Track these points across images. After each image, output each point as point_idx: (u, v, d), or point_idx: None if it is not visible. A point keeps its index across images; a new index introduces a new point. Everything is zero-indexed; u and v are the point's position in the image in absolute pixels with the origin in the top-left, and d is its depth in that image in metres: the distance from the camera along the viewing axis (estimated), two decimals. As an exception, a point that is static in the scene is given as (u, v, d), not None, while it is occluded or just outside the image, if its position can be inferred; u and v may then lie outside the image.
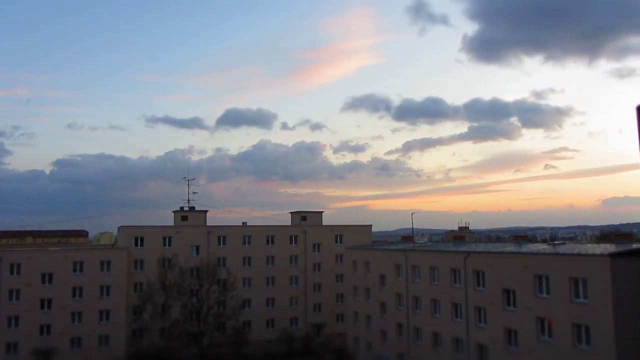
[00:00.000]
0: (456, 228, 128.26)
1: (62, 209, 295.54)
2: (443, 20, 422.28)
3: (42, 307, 59.02)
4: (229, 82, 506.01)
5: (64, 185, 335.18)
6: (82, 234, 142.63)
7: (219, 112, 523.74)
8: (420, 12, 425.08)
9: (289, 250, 72.15)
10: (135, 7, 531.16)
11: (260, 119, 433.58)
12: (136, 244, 65.63)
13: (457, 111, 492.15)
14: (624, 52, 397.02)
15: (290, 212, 79.58)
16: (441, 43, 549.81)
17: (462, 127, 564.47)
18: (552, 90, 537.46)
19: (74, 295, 60.48)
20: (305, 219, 76.50)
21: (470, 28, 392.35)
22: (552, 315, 33.59)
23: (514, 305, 37.00)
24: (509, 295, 37.68)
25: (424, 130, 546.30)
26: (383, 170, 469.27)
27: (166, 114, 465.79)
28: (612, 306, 29.17)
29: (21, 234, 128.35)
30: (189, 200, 72.93)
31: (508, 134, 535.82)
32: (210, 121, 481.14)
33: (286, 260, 71.72)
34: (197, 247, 67.77)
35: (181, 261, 61.59)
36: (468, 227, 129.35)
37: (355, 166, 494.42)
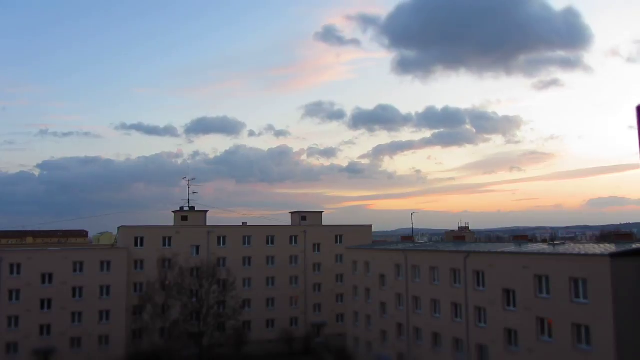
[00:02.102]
0: (456, 228, 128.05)
1: (52, 210, 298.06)
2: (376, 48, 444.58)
3: (42, 307, 59.03)
4: (201, 95, 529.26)
5: (52, 187, 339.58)
6: (82, 234, 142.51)
7: (189, 120, 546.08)
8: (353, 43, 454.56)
9: (289, 250, 72.15)
10: (120, 21, 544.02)
11: (228, 127, 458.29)
12: (136, 244, 65.64)
13: (409, 119, 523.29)
14: (543, 64, 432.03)
15: (290, 212, 79.63)
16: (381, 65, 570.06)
17: (421, 133, 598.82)
18: (496, 101, 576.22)
19: (74, 295, 60.49)
20: (305, 219, 76.51)
21: (404, 52, 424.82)
22: (552, 315, 33.57)
23: (514, 305, 36.99)
24: (509, 295, 37.67)
25: (386, 136, 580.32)
26: (356, 173, 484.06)
27: (140, 122, 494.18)
28: (612, 306, 29.15)
29: (21, 234, 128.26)
30: (188, 200, 73.04)
31: (471, 140, 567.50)
32: (181, 129, 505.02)
33: (286, 260, 71.73)
34: (197, 247, 67.77)
35: (181, 261, 61.61)
36: (468, 227, 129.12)
37: (331, 169, 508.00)
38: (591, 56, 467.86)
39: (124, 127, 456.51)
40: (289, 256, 72.06)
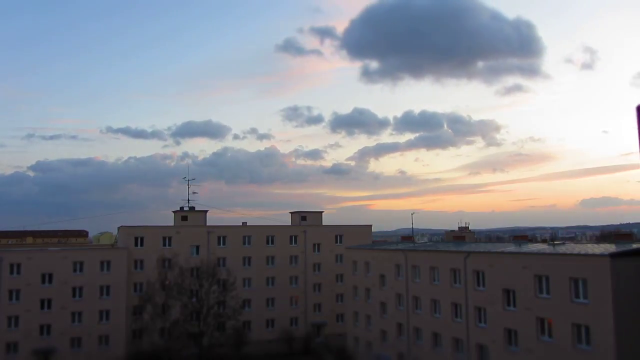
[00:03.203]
0: (456, 228, 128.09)
1: (48, 210, 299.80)
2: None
3: (42, 307, 59.00)
4: (186, 100, 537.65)
5: (47, 188, 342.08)
6: (82, 234, 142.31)
7: (173, 124, 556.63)
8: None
9: (289, 250, 72.16)
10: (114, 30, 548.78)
11: (213, 131, 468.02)
12: (136, 244, 65.64)
13: (386, 122, 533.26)
14: (502, 72, 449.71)
15: (290, 212, 79.63)
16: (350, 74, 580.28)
17: (404, 136, 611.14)
18: (465, 106, 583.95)
19: (74, 295, 60.47)
20: (305, 219, 76.52)
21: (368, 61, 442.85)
22: (552, 315, 33.59)
23: (514, 305, 37.00)
24: (509, 295, 37.69)
25: (365, 139, 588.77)
26: (343, 174, 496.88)
27: (127, 125, 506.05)
28: (612, 306, 29.17)
29: (21, 234, 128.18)
30: (188, 200, 73.04)
31: (454, 142, 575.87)
32: (167, 132, 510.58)
33: (286, 260, 71.73)
34: (197, 247, 67.78)
35: (181, 261, 61.60)
36: (468, 227, 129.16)
37: (318, 170, 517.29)
38: (547, 64, 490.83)
39: (110, 130, 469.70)
40: (289, 256, 72.06)
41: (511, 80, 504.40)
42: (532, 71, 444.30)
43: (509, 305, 37.67)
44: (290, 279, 71.78)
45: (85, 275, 61.15)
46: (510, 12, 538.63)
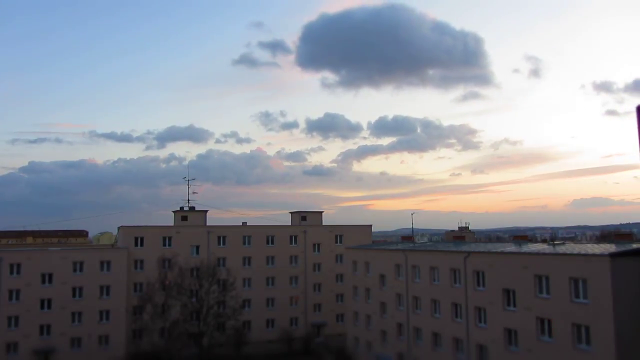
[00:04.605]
0: (456, 228, 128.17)
1: (43, 211, 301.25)
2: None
3: (42, 307, 59.04)
4: (168, 105, 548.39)
5: (42, 189, 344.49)
6: (82, 234, 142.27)
7: (159, 129, 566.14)
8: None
9: (289, 250, 72.17)
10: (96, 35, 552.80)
11: (196, 135, 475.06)
12: (136, 244, 65.67)
13: (358, 127, 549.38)
14: (454, 80, 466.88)
15: (290, 212, 79.63)
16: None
17: (382, 140, 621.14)
18: (431, 113, 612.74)
19: (74, 295, 60.49)
20: (305, 219, 76.52)
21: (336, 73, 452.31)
22: (552, 315, 33.58)
23: (514, 305, 36.99)
24: (509, 295, 37.68)
25: (341, 143, 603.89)
26: (330, 176, 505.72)
27: (112, 130, 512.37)
28: (612, 306, 29.16)
29: (21, 234, 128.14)
30: (188, 200, 73.09)
31: (432, 146, 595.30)
32: (150, 136, 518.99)
33: (286, 260, 71.73)
34: (197, 247, 67.80)
35: (181, 261, 61.54)
36: (468, 227, 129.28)
37: (305, 171, 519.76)
38: (496, 73, 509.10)
39: (94, 134, 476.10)
40: (289, 256, 72.07)
41: (466, 88, 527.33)
42: (482, 79, 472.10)
43: (509, 305, 37.66)
44: (290, 279, 71.79)
45: (85, 275, 61.16)
46: (455, 23, 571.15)
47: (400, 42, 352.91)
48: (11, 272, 58.59)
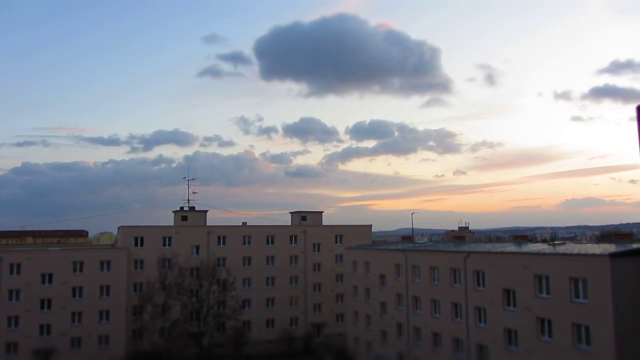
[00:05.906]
0: (456, 228, 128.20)
1: (38, 211, 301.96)
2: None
3: (42, 307, 59.03)
4: (152, 109, 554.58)
5: (36, 190, 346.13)
6: (82, 234, 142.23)
7: (144, 133, 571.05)
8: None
9: (289, 250, 72.16)
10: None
11: (181, 138, 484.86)
12: (136, 244, 65.65)
13: (334, 131, 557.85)
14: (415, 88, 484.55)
15: (290, 212, 79.62)
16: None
17: (364, 143, 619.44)
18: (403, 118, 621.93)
19: (74, 295, 60.48)
20: (305, 219, 76.52)
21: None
22: (552, 315, 33.59)
23: (514, 305, 37.01)
24: (509, 295, 37.69)
25: (320, 147, 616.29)
26: (316, 177, 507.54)
27: (99, 135, 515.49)
28: (612, 306, 29.17)
29: (21, 234, 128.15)
30: (188, 200, 73.06)
31: (413, 149, 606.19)
32: (137, 140, 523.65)
33: (286, 260, 71.73)
34: (197, 247, 67.78)
35: (181, 261, 61.62)
36: (468, 227, 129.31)
37: (291, 172, 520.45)
38: (452, 82, 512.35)
39: (80, 138, 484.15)
40: (289, 256, 72.07)
41: (428, 95, 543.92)
42: (441, 87, 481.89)
43: (509, 305, 37.67)
44: (290, 279, 71.78)
45: (85, 275, 61.16)
46: (410, 32, 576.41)
47: (350, 52, 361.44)
48: (11, 272, 58.59)
